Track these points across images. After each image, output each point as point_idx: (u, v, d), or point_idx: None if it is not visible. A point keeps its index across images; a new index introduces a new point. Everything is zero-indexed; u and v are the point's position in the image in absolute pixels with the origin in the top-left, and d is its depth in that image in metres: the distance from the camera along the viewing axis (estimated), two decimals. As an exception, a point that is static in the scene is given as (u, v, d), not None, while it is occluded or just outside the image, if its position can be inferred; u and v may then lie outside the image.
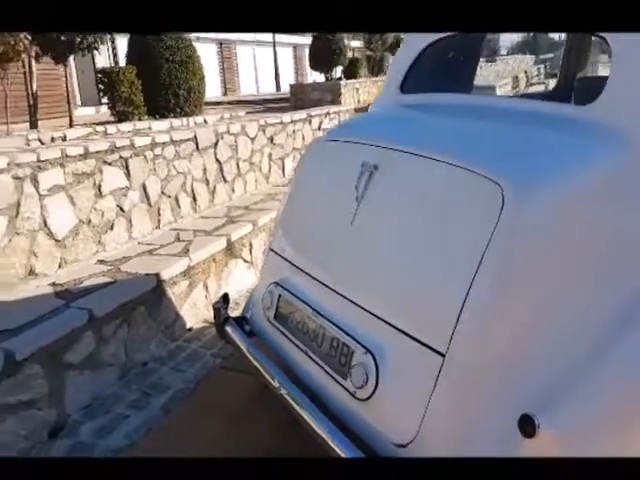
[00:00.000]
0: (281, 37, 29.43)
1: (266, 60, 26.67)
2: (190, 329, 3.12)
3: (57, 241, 4.06)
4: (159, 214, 5.06)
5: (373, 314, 1.69)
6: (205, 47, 23.09)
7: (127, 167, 4.78)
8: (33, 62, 7.84)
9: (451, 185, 1.59)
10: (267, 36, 26.96)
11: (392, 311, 1.64)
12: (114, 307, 2.63)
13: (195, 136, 5.63)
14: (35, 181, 3.94)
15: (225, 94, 24.34)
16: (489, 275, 1.41)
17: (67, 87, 7.90)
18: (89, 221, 4.34)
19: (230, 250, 3.94)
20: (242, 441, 2.10)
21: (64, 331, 2.36)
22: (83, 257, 3.91)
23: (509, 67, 29.16)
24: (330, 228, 1.97)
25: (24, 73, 7.90)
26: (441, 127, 1.94)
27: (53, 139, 6.59)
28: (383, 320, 1.65)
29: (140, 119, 8.39)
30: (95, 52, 8.37)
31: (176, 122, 8.22)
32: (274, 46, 24.61)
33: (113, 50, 17.42)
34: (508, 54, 35.74)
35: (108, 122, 8.33)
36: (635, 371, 1.36)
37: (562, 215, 1.40)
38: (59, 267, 3.80)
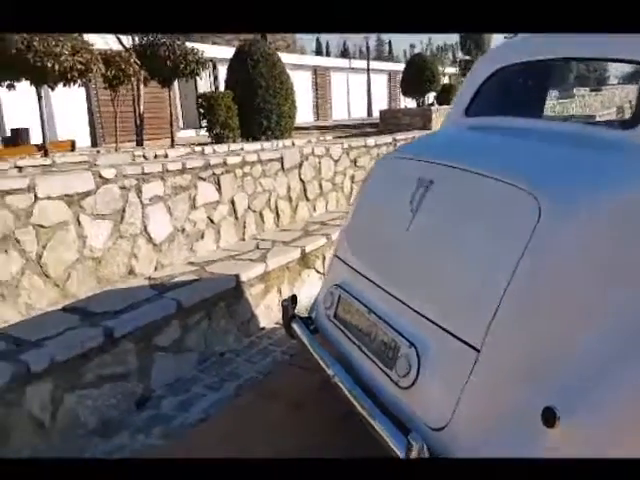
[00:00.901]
0: (377, 64, 29.99)
1: (359, 86, 27.23)
2: (263, 328, 3.42)
3: (155, 245, 4.53)
4: (244, 227, 5.47)
5: (419, 313, 1.90)
6: (300, 74, 23.99)
7: (219, 183, 5.22)
8: (142, 86, 8.64)
9: (494, 197, 1.78)
10: (362, 63, 27.57)
11: (435, 310, 1.84)
12: (198, 300, 2.98)
13: (281, 157, 6.03)
14: (139, 191, 4.42)
15: (317, 119, 25.10)
16: (522, 282, 1.60)
17: (170, 110, 8.63)
18: (183, 229, 4.79)
19: (304, 260, 4.23)
20: (296, 427, 2.34)
21: (156, 316, 2.74)
22: (176, 262, 4.34)
23: (615, 97, 28.12)
24: (387, 236, 2.21)
25: (132, 96, 8.70)
26: (491, 146, 2.14)
27: (156, 156, 7.24)
28: (427, 318, 1.85)
29: (234, 141, 8.99)
30: (197, 78, 9.09)
31: (266, 144, 8.74)
32: (368, 73, 25.14)
33: (214, 76, 18.51)
34: (619, 84, 34.18)
35: (206, 143, 8.98)
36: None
37: (594, 229, 1.56)
38: (155, 269, 4.24)
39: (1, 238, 3.45)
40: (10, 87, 7.02)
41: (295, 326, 2.47)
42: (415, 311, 1.91)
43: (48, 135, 13.77)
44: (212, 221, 5.11)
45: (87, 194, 4.00)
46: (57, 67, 6.21)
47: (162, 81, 8.22)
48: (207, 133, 9.22)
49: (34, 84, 6.79)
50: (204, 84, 18.11)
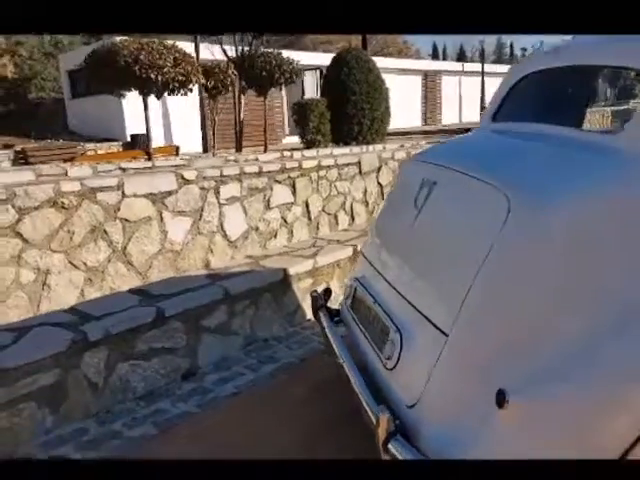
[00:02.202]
0: (494, 67, 29.22)
1: (473, 90, 26.60)
2: (308, 320, 3.64)
3: (230, 242, 4.92)
4: (317, 228, 5.74)
5: (409, 302, 2.04)
6: (409, 78, 23.96)
7: (294, 186, 5.53)
8: (242, 95, 9.22)
9: (476, 196, 1.90)
10: (476, 66, 26.98)
11: (420, 299, 1.98)
12: (245, 289, 3.27)
13: (359, 161, 6.24)
14: (217, 192, 4.82)
15: (425, 124, 24.92)
16: (486, 273, 1.71)
17: (265, 117, 9.16)
18: (257, 228, 5.15)
19: (355, 258, 4.41)
20: (315, 405, 2.55)
21: (205, 301, 3.06)
22: (238, 256, 4.69)
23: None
24: (396, 233, 2.36)
25: (233, 104, 9.31)
26: (485, 150, 2.22)
27: (247, 160, 7.72)
28: (414, 306, 2.00)
29: (325, 146, 9.32)
30: (303, 85, 9.51)
31: (356, 149, 8.97)
32: (482, 76, 24.60)
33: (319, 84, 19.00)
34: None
35: (297, 149, 9.40)
36: (606, 376, 1.53)
37: (559, 227, 1.63)
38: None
39: (91, 229, 3.95)
40: (121, 96, 7.82)
41: (321, 314, 2.68)
42: (407, 300, 2.06)
43: (165, 141, 14.94)
44: (285, 221, 5.43)
45: (170, 193, 4.45)
46: (160, 78, 6.86)
47: (258, 90, 8.73)
48: (300, 139, 9.63)
49: (141, 94, 7.54)
50: (311, 90, 18.63)
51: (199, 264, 4.59)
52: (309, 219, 5.70)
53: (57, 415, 2.52)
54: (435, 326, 1.84)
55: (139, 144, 13.30)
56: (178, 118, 15.23)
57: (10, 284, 3.52)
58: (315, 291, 2.80)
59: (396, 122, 17.77)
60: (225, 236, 4.91)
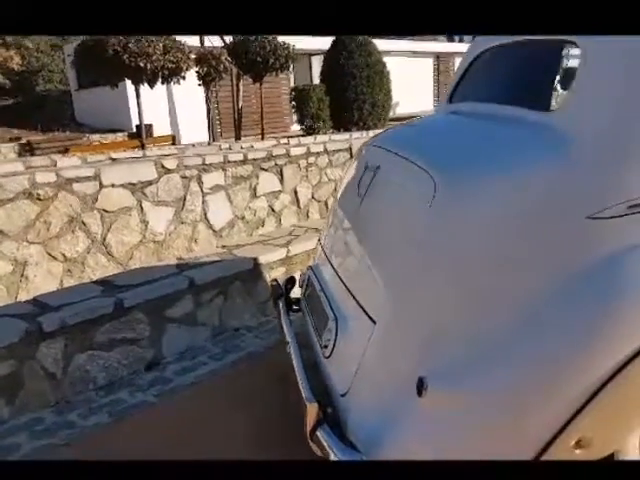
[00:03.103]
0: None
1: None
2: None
3: (214, 231, 4.90)
4: (307, 216, 5.69)
5: (348, 289, 2.00)
6: (420, 61, 23.59)
7: (281, 173, 5.48)
8: (241, 82, 9.15)
9: (409, 179, 1.84)
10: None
11: (357, 286, 1.94)
12: (212, 279, 3.24)
13: (350, 147, 6.16)
14: (200, 181, 4.80)
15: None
16: (411, 258, 1.66)
17: (261, 104, 9.07)
18: (243, 217, 5.12)
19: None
20: (271, 394, 2.52)
21: (168, 291, 3.04)
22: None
23: None
24: (343, 220, 2.31)
25: (231, 92, 9.25)
26: (423, 132, 2.16)
27: (242, 148, 7.68)
28: (352, 294, 1.95)
29: (325, 133, 9.23)
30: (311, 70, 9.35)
31: (356, 134, 8.85)
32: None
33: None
34: None
35: (295, 136, 9.33)
36: (522, 364, 1.48)
37: (482, 205, 1.56)
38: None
39: (68, 220, 3.96)
40: (113, 86, 7.81)
41: (280, 303, 2.64)
42: (347, 288, 2.02)
43: (171, 130, 14.91)
44: (273, 210, 5.40)
45: (150, 183, 4.43)
46: (149, 66, 6.83)
47: (253, 77, 8.67)
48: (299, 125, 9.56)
49: (133, 83, 7.52)
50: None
51: (183, 254, 4.58)
52: (298, 207, 5.65)
53: (13, 406, 2.52)
54: (367, 314, 1.79)
55: (145, 133, 13.33)
56: (183, 107, 15.20)
57: (-15, 276, 3.54)
58: (275, 280, 2.77)
59: (407, 106, 17.53)
60: (209, 226, 4.89)
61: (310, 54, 16.02)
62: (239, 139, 9.57)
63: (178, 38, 7.46)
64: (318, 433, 1.68)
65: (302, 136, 9.04)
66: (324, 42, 11.45)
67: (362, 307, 1.83)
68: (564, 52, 1.74)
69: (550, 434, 1.43)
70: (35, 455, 2.24)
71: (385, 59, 10.06)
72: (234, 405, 2.49)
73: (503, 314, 1.49)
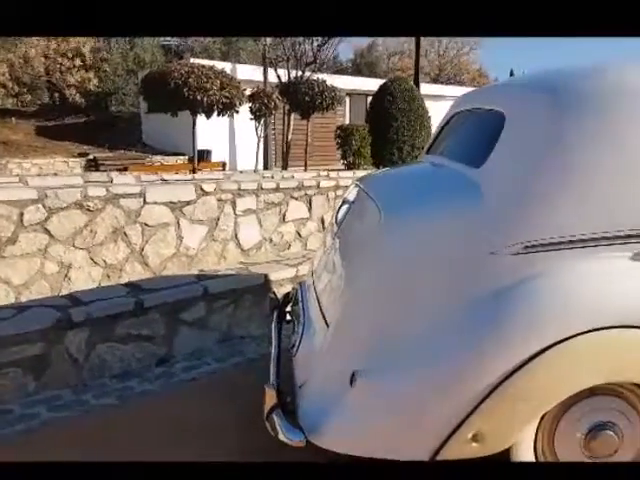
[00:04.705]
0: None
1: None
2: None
3: (243, 250, 5.33)
4: (333, 244, 6.07)
5: (319, 301, 2.35)
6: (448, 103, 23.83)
7: (310, 202, 5.89)
8: (291, 118, 9.75)
9: (369, 213, 2.19)
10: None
11: (323, 297, 2.30)
12: (224, 289, 3.64)
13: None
14: (234, 204, 5.25)
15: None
16: (356, 274, 2.02)
17: (307, 140, 9.60)
18: (271, 240, 5.54)
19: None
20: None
21: (184, 296, 3.45)
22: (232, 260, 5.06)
23: None
24: (326, 243, 2.68)
25: (283, 126, 9.87)
26: (388, 177, 2.53)
27: (283, 177, 8.16)
28: (319, 304, 2.31)
29: (365, 169, 9.65)
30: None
31: (395, 173, 9.21)
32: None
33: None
34: None
35: (337, 170, 9.79)
36: (438, 364, 1.79)
37: (413, 236, 1.92)
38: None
39: (113, 231, 4.46)
40: (174, 115, 8.50)
41: (274, 315, 3.00)
42: (318, 301, 2.37)
43: (230, 157, 15.66)
44: (300, 235, 5.80)
45: (188, 203, 4.91)
46: (205, 100, 7.46)
47: (302, 114, 9.24)
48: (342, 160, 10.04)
49: (191, 114, 8.19)
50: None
51: (212, 268, 5.02)
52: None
53: (39, 382, 2.96)
54: (324, 319, 2.15)
55: (203, 158, 14.14)
56: (241, 137, 16.01)
57: (34, 274, 4.04)
58: (274, 293, 3.13)
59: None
60: (239, 245, 5.32)
61: (367, 95, 16.66)
62: (285, 169, 10.12)
63: (237, 76, 8.08)
64: (273, 415, 2.02)
65: (343, 170, 9.49)
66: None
67: (323, 314, 2.18)
68: (498, 119, 2.07)
69: (451, 427, 1.73)
70: (50, 423, 2.66)
71: (429, 103, 10.52)
72: (222, 400, 2.84)
73: (417, 325, 1.83)
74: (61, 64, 17.94)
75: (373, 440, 1.82)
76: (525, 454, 1.85)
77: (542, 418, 1.83)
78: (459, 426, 1.72)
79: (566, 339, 1.68)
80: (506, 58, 54.55)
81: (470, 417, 1.71)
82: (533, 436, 1.85)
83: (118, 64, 19.61)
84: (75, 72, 17.84)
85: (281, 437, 1.95)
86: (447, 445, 1.74)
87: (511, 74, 26.60)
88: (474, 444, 1.73)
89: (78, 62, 18.12)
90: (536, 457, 1.87)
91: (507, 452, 1.81)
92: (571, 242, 1.78)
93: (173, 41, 23.26)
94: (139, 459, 2.23)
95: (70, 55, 18.08)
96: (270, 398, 2.05)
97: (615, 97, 1.85)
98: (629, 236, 1.79)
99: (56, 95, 18.63)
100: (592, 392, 1.83)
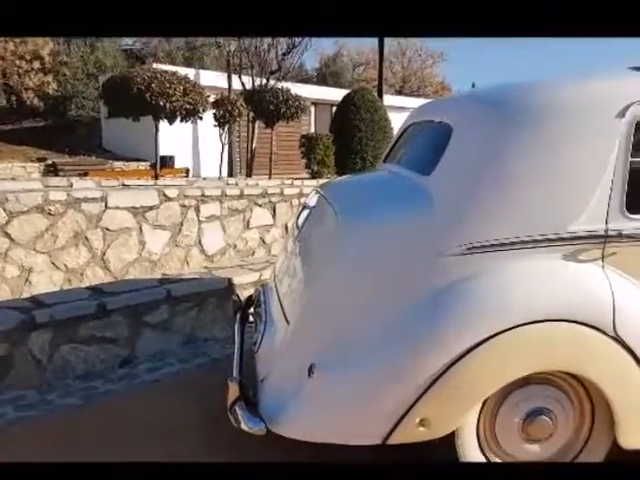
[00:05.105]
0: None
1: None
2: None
3: (207, 256, 5.40)
4: (295, 250, 6.21)
5: (280, 302, 2.48)
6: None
7: (274, 210, 6.01)
8: (256, 126, 9.85)
9: (326, 216, 2.34)
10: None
11: (284, 297, 2.43)
12: (187, 293, 3.73)
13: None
14: (197, 210, 5.32)
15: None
16: (313, 275, 2.16)
17: (271, 148, 9.74)
18: (235, 246, 5.63)
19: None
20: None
21: (146, 299, 3.53)
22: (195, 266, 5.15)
23: None
24: (287, 247, 2.82)
25: (247, 134, 9.98)
26: (347, 184, 2.69)
27: (247, 185, 8.26)
28: (280, 303, 2.44)
29: (328, 177, 9.83)
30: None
31: (357, 182, 9.42)
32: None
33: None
34: None
35: (301, 178, 9.93)
36: (388, 358, 1.94)
37: (367, 239, 2.07)
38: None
39: (74, 235, 4.48)
40: (135, 120, 8.51)
41: (237, 317, 3.11)
42: (279, 301, 2.50)
43: (193, 164, 15.61)
44: (264, 241, 5.91)
45: (151, 208, 4.97)
46: (168, 106, 7.52)
47: (266, 122, 9.38)
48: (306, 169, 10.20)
49: (153, 119, 8.22)
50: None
51: (174, 273, 5.07)
52: (286, 241, 6.17)
53: (2, 382, 3.00)
54: (285, 317, 2.27)
55: (166, 165, 14.06)
56: (205, 143, 16.00)
57: (-5, 277, 4.04)
58: (237, 296, 3.24)
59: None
60: (202, 250, 5.40)
61: (332, 104, 16.89)
62: (250, 177, 10.21)
63: (201, 82, 8.15)
64: (235, 408, 2.14)
65: (307, 179, 9.63)
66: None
67: (284, 312, 2.31)
68: (447, 131, 2.25)
69: (399, 414, 1.88)
70: (16, 423, 2.70)
71: (392, 114, 10.79)
72: (186, 400, 2.93)
73: (369, 322, 1.98)
74: (19, 67, 17.60)
75: (329, 427, 1.96)
76: (468, 438, 2.01)
77: (483, 405, 2.00)
78: (407, 413, 1.87)
79: (499, 333, 1.86)
80: (469, 71, 55.79)
81: (416, 405, 1.86)
82: (476, 421, 2.02)
83: (78, 68, 19.34)
84: (33, 75, 17.53)
85: (243, 427, 2.07)
86: (397, 430, 1.89)
87: (472, 87, 27.32)
88: (421, 428, 1.89)
89: (37, 65, 17.81)
90: (479, 440, 2.04)
91: (452, 435, 1.97)
92: (505, 244, 1.97)
93: (135, 45, 23.09)
94: (104, 458, 2.32)
95: (28, 58, 17.75)
96: (233, 392, 2.16)
97: (548, 113, 2.04)
98: (556, 239, 1.98)
99: (13, 98, 18.23)
100: (527, 381, 2.02)
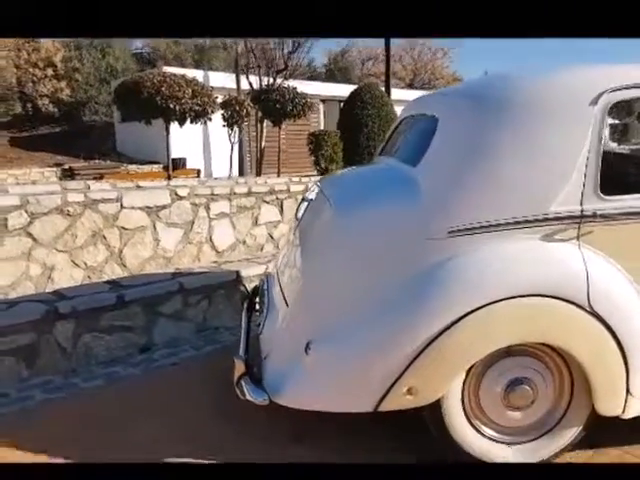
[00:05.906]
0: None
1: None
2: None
3: (218, 252, 5.64)
4: (303, 245, 6.42)
5: (281, 288, 2.69)
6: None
7: (282, 206, 6.23)
8: (264, 125, 10.08)
9: (322, 207, 2.54)
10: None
11: (284, 282, 2.64)
12: (198, 285, 3.96)
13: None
14: (207, 208, 5.56)
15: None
16: (310, 260, 2.37)
17: (279, 146, 9.96)
18: (244, 242, 5.86)
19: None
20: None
21: (161, 291, 3.76)
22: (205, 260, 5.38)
23: None
24: (288, 240, 3.03)
25: (255, 133, 10.21)
26: (341, 176, 2.89)
27: (256, 182, 8.48)
28: (281, 289, 2.64)
29: (336, 173, 10.05)
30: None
31: (364, 177, 9.59)
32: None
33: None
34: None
35: (310, 175, 10.13)
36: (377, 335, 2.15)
37: (359, 227, 2.27)
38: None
39: (92, 234, 4.73)
40: (147, 123, 8.79)
41: (245, 305, 3.33)
42: (280, 287, 2.71)
43: (204, 165, 15.86)
44: (272, 237, 6.13)
45: (164, 207, 5.21)
46: (178, 108, 7.77)
47: (273, 121, 9.61)
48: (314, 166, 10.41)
49: (164, 122, 8.48)
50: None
51: (187, 267, 5.31)
52: (294, 236, 6.38)
53: (32, 369, 3.24)
54: (285, 300, 2.48)
55: (178, 166, 14.36)
56: (216, 144, 16.26)
57: (20, 275, 4.30)
58: (244, 287, 3.46)
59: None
60: (213, 247, 5.64)
61: (341, 101, 17.09)
62: (259, 175, 10.44)
63: (210, 84, 8.38)
64: (241, 382, 2.35)
65: (315, 176, 9.84)
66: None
67: (284, 297, 2.52)
68: (434, 123, 2.44)
69: (388, 383, 2.08)
70: (45, 403, 2.94)
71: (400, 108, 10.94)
72: (200, 381, 3.16)
73: (361, 302, 2.18)
74: (33, 74, 18.05)
75: (324, 397, 2.17)
76: (453, 406, 2.20)
77: (467, 375, 2.19)
78: (395, 382, 2.07)
79: (481, 307, 2.05)
80: (483, 61, 55.43)
81: (404, 375, 2.06)
82: (460, 390, 2.21)
83: (90, 73, 19.74)
84: (47, 82, 17.97)
85: (248, 398, 2.30)
86: (386, 399, 2.09)
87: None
88: (409, 396, 2.09)
89: (50, 72, 18.25)
90: (464, 408, 2.23)
91: (438, 403, 2.16)
92: (489, 226, 2.15)
93: (145, 49, 23.45)
94: (128, 430, 2.57)
95: (42, 65, 18.20)
96: (239, 368, 2.38)
97: (526, 103, 2.21)
98: (534, 221, 2.16)
99: (29, 105, 18.67)
100: (509, 353, 2.20)
